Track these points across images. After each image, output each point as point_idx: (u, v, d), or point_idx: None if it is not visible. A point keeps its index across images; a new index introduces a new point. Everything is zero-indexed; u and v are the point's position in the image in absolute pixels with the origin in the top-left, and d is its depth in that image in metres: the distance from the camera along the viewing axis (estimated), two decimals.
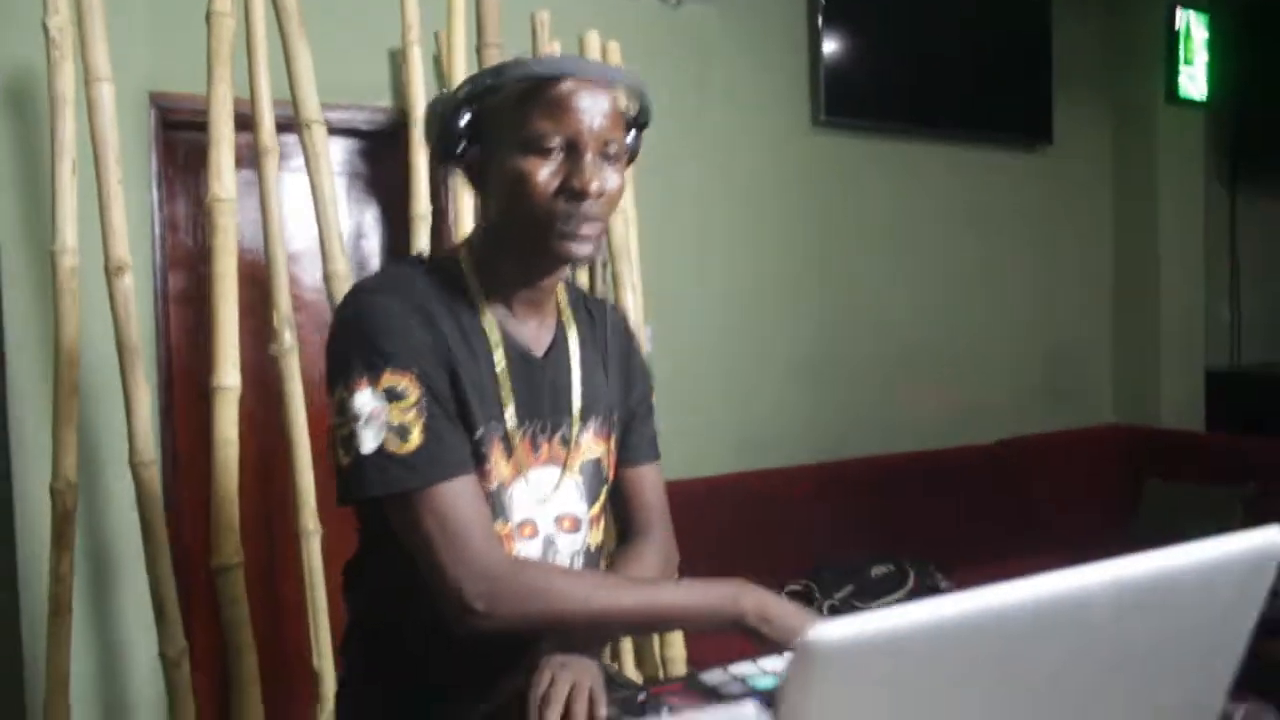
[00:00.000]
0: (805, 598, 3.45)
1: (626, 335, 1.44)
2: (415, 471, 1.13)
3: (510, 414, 1.24)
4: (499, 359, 1.24)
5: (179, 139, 2.88)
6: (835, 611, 3.37)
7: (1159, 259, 4.60)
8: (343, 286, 2.13)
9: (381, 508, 1.17)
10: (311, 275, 2.96)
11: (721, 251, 3.52)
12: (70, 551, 1.94)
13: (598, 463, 1.36)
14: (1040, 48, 4.37)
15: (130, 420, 1.98)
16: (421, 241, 2.25)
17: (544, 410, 1.28)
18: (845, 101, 3.82)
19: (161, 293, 2.68)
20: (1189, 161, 4.67)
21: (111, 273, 1.96)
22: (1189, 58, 4.58)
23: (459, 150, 1.21)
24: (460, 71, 2.30)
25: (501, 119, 1.18)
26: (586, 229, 1.18)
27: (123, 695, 2.43)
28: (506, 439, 1.24)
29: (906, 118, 4.02)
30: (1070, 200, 4.60)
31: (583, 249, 1.19)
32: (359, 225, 3.12)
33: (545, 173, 1.16)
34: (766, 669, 1.35)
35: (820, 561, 3.55)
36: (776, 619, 1.19)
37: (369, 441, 1.13)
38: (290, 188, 2.74)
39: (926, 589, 3.47)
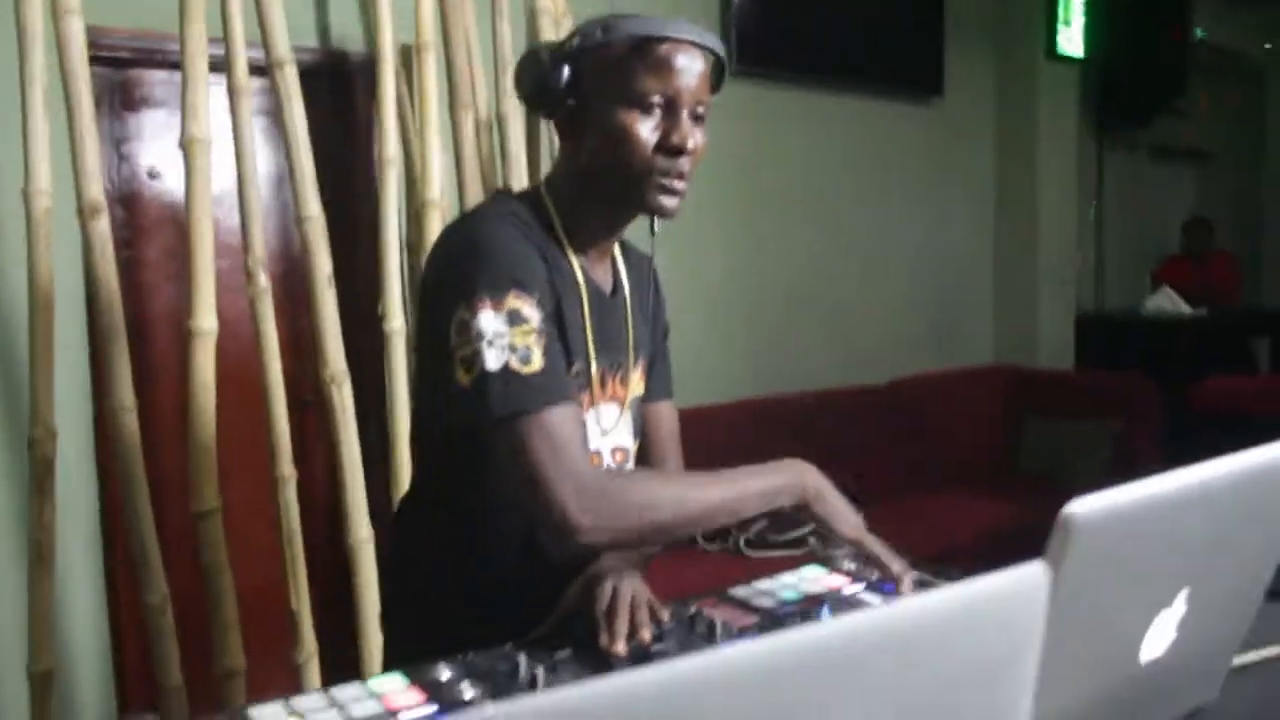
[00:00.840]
0: (721, 532, 3.58)
1: (656, 281, 1.51)
2: (536, 392, 1.16)
3: (593, 351, 1.30)
4: (584, 299, 1.29)
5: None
6: (750, 545, 3.52)
7: (1037, 208, 4.88)
8: (316, 229, 2.12)
9: (479, 430, 1.19)
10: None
11: None
12: (52, 499, 1.89)
13: (639, 400, 1.44)
14: (934, 4, 4.55)
15: (109, 366, 1.93)
16: (390, 183, 2.25)
17: (613, 349, 1.35)
18: (753, 51, 3.92)
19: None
20: (1065, 116, 4.96)
21: (86, 215, 1.90)
22: (1067, 18, 4.85)
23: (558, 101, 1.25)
24: (429, 17, 2.28)
25: (605, 74, 1.22)
26: (679, 184, 1.25)
27: (73, 646, 2.37)
28: (588, 375, 1.30)
29: (810, 68, 4.14)
30: (957, 151, 4.82)
31: (673, 202, 1.26)
32: (280, 166, 3.05)
33: (646, 128, 1.21)
34: (785, 582, 1.45)
35: None
36: (830, 500, 1.28)
37: (493, 360, 1.15)
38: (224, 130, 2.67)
39: None
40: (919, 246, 4.70)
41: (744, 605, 1.36)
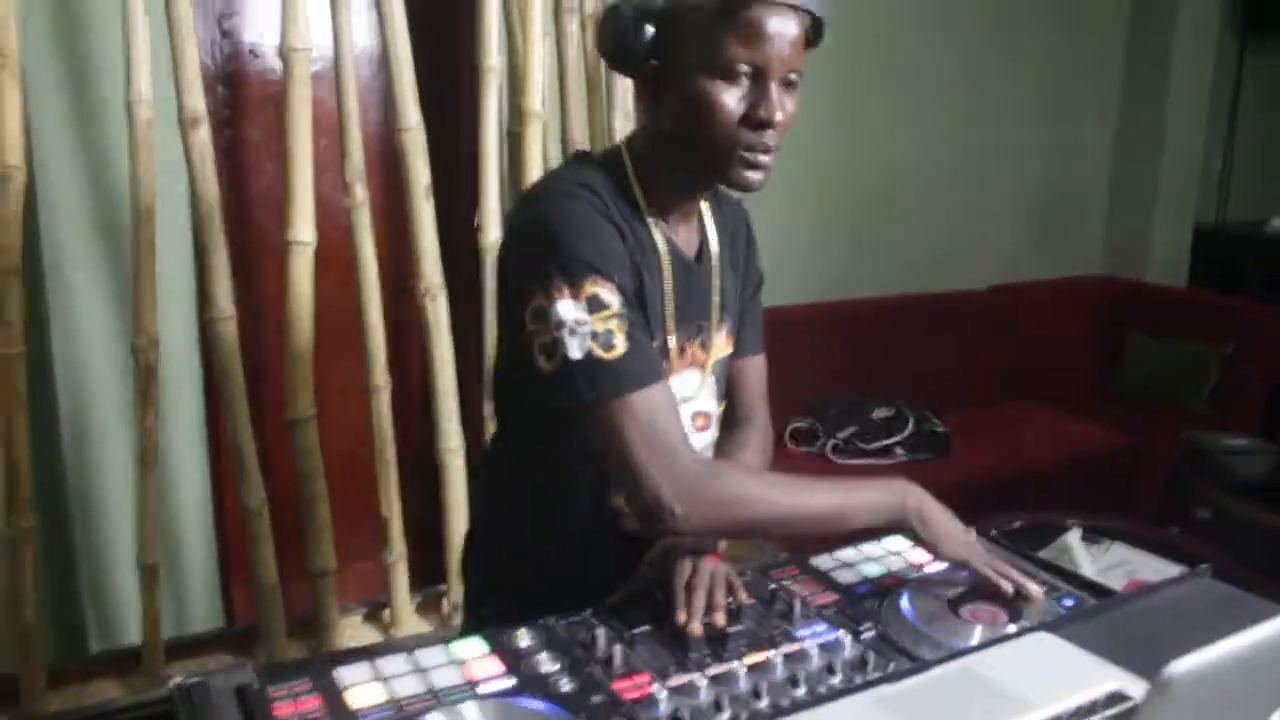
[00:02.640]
0: (810, 435, 3.59)
1: (749, 229, 1.46)
2: (622, 378, 1.15)
3: (671, 324, 1.27)
4: (665, 269, 1.25)
5: None
6: (838, 450, 3.52)
7: (1165, 112, 4.59)
8: (414, 140, 2.09)
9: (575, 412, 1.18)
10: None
11: None
12: (155, 407, 1.96)
13: (725, 361, 1.40)
14: None
15: (208, 276, 1.97)
16: (491, 93, 2.19)
17: (692, 315, 1.31)
18: None
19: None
20: (1207, 14, 4.62)
21: (187, 125, 1.90)
22: None
23: (639, 61, 1.19)
24: None
25: (690, 37, 1.15)
26: (765, 158, 1.18)
27: (182, 543, 2.47)
28: (664, 347, 1.27)
29: None
30: (1085, 45, 4.54)
31: (759, 177, 1.19)
32: (379, 73, 2.97)
33: (732, 99, 1.15)
34: (868, 554, 1.44)
35: (824, 401, 3.68)
36: (933, 522, 1.25)
37: (575, 349, 1.14)
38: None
39: (924, 433, 3.62)
40: (1033, 147, 4.48)
41: (824, 579, 1.36)
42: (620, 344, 1.15)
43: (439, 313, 2.17)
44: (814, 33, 1.22)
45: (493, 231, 2.26)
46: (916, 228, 4.21)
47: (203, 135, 1.92)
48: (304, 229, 2.00)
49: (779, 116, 1.16)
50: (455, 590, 2.41)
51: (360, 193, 2.07)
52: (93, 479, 2.30)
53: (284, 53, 1.94)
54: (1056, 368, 4.34)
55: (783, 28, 1.14)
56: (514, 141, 2.23)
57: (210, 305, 1.99)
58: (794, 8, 1.15)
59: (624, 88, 2.35)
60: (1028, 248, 4.58)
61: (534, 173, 2.22)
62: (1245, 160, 5.14)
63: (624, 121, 2.35)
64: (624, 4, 1.19)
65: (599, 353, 1.14)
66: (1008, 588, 1.23)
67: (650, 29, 1.17)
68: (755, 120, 1.15)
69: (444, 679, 1.08)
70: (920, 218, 4.21)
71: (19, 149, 1.77)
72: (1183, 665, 0.60)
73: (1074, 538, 2.71)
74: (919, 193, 4.17)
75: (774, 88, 1.15)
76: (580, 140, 2.30)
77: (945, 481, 3.29)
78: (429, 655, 1.13)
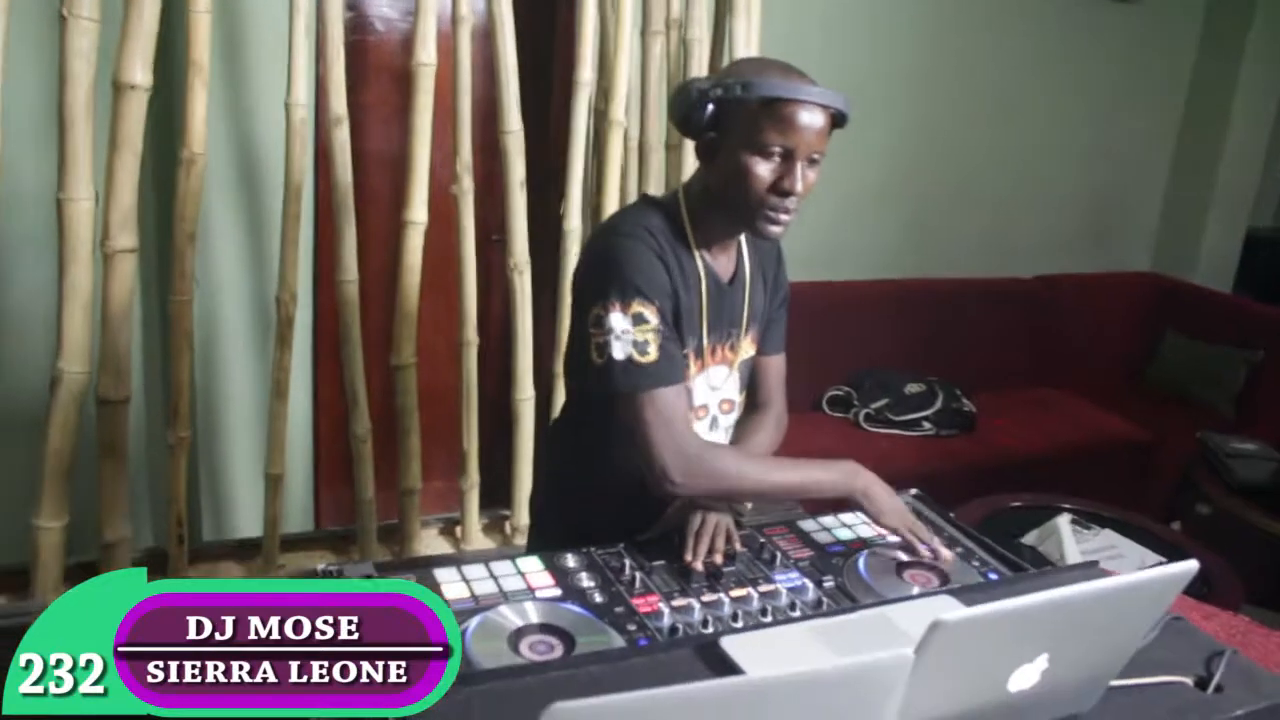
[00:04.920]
0: (845, 402, 3.93)
1: (779, 253, 1.82)
2: (650, 377, 1.54)
3: (705, 331, 1.65)
4: (703, 290, 1.63)
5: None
6: (870, 419, 3.86)
7: (1229, 118, 4.75)
8: (515, 141, 2.48)
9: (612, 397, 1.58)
10: None
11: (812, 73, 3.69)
12: (290, 349, 2.40)
13: (750, 359, 1.79)
14: None
15: (339, 246, 2.39)
16: (582, 104, 2.56)
17: (723, 324, 1.69)
18: None
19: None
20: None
21: (331, 124, 2.31)
22: None
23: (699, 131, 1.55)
24: None
25: (738, 120, 1.50)
26: (785, 217, 1.55)
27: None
28: (699, 348, 1.66)
29: None
30: (1153, 53, 4.69)
31: (777, 230, 1.56)
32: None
33: (764, 171, 1.50)
34: (845, 522, 1.80)
35: (861, 372, 4.01)
36: (875, 499, 1.65)
37: (618, 351, 1.53)
38: None
39: (951, 410, 3.93)
40: (1094, 145, 4.68)
41: (805, 538, 1.73)
42: (653, 352, 1.54)
43: (524, 284, 2.58)
44: (838, 119, 1.55)
45: (574, 219, 2.64)
46: (974, 216, 4.46)
47: (343, 133, 2.33)
48: (419, 211, 2.42)
49: (799, 188, 1.51)
50: (517, 515, 2.85)
51: (467, 183, 2.47)
52: (218, 402, 2.79)
53: (413, 68, 2.33)
54: (1091, 358, 4.56)
55: (811, 120, 1.48)
56: (598, 144, 2.60)
57: (340, 269, 2.41)
58: (822, 105, 1.49)
59: None
60: (1080, 241, 4.79)
61: (613, 171, 2.60)
62: None
63: None
64: (692, 86, 1.54)
65: (636, 356, 1.53)
66: (924, 552, 1.62)
67: (710, 109, 1.52)
68: (781, 190, 1.51)
69: (510, 585, 1.46)
70: (979, 207, 4.46)
71: (202, 139, 2.21)
72: (953, 616, 0.95)
73: (1063, 521, 3.07)
74: (980, 184, 4.42)
75: (799, 165, 1.50)
76: (654, 143, 2.67)
77: (966, 456, 3.65)
78: (500, 566, 1.51)
